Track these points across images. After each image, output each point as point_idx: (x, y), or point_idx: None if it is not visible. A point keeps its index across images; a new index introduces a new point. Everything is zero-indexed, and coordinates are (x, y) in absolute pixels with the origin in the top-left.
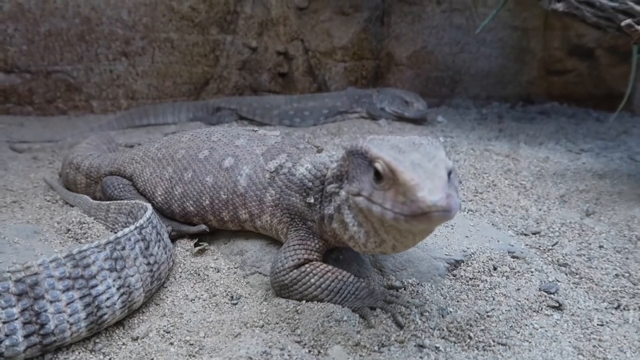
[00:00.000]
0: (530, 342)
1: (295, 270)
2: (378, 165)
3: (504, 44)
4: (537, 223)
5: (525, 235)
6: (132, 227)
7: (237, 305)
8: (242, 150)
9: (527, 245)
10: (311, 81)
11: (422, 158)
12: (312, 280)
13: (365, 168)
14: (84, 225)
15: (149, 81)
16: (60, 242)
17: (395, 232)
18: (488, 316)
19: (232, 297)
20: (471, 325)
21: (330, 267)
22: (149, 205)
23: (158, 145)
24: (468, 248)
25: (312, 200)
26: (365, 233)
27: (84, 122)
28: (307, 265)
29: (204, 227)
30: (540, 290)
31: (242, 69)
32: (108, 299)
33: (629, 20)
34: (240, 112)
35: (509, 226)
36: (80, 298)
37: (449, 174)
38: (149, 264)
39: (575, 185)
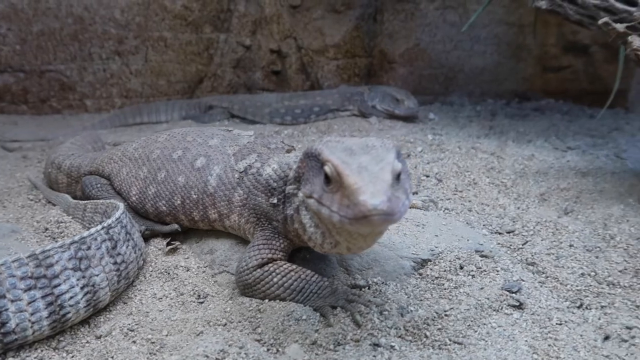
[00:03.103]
0: (486, 341)
1: (258, 270)
2: (327, 168)
3: (499, 40)
4: (513, 222)
5: (500, 234)
6: (99, 227)
7: (203, 304)
8: (215, 150)
9: (498, 244)
10: (304, 79)
11: (371, 161)
12: (275, 280)
13: (317, 170)
14: (61, 224)
15: (143, 80)
16: (37, 241)
17: (346, 234)
18: (446, 315)
19: (199, 295)
20: (428, 324)
21: (293, 266)
22: (121, 205)
23: (136, 145)
24: (436, 247)
25: (275, 201)
26: (322, 234)
27: (78, 121)
28: (270, 265)
29: (176, 226)
30: (502, 289)
31: (236, 67)
32: (71, 297)
33: (606, 19)
34: (232, 111)
35: (483, 225)
36: (43, 297)
37: (398, 176)
38: (115, 263)
39: (557, 183)
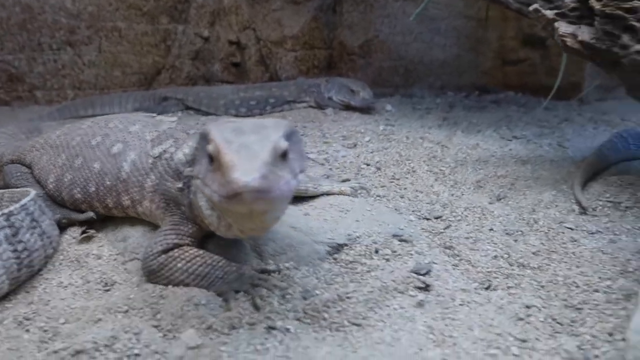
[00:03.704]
0: (384, 322)
1: (163, 255)
2: (210, 147)
3: (458, 33)
4: (443, 207)
5: (427, 219)
6: None
7: (108, 292)
8: (133, 136)
9: (422, 229)
10: (263, 71)
11: (256, 140)
12: (179, 265)
13: (206, 151)
14: None
15: (96, 71)
16: None
17: (232, 216)
18: (347, 298)
19: (105, 283)
20: (328, 307)
21: (200, 251)
22: (32, 192)
23: (59, 132)
24: (355, 232)
25: (180, 185)
26: (217, 217)
27: (27, 113)
28: (175, 250)
29: (91, 214)
30: (410, 271)
31: (194, 59)
32: None
33: (535, 5)
34: (187, 102)
35: (412, 211)
36: None
37: (284, 155)
38: (16, 251)
39: (495, 171)
